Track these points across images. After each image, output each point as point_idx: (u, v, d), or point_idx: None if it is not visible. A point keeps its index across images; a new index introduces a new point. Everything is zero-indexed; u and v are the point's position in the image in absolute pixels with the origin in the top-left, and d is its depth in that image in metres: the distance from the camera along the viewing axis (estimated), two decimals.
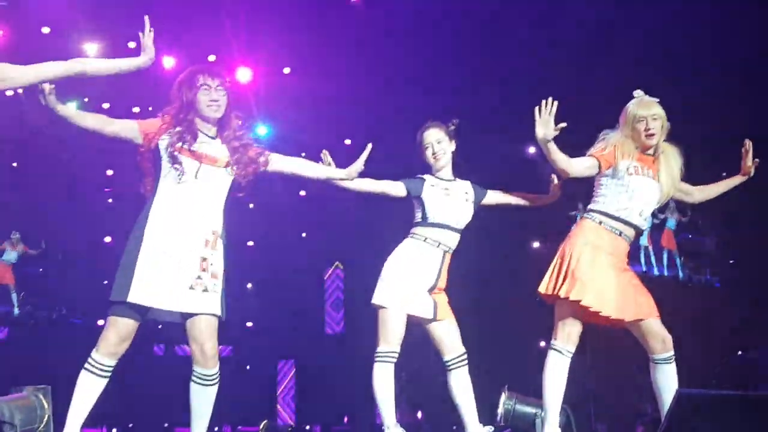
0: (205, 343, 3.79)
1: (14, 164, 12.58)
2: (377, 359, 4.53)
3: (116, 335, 3.71)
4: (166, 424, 12.97)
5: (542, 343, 10.39)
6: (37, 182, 12.85)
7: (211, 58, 11.06)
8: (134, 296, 3.66)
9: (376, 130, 11.15)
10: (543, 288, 4.51)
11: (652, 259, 12.83)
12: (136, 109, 12.03)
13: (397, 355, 4.53)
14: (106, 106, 11.74)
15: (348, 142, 11.54)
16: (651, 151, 4.52)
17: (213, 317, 3.82)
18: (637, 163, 4.46)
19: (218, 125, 4.07)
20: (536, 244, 12.42)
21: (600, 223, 4.46)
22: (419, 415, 11.41)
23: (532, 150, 11.02)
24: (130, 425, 12.88)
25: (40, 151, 12.21)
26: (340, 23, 10.71)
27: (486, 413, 5.11)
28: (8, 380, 5.57)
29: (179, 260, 3.76)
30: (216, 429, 9.30)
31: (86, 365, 3.73)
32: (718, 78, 10.14)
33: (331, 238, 13.64)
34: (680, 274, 13.11)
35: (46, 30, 10.42)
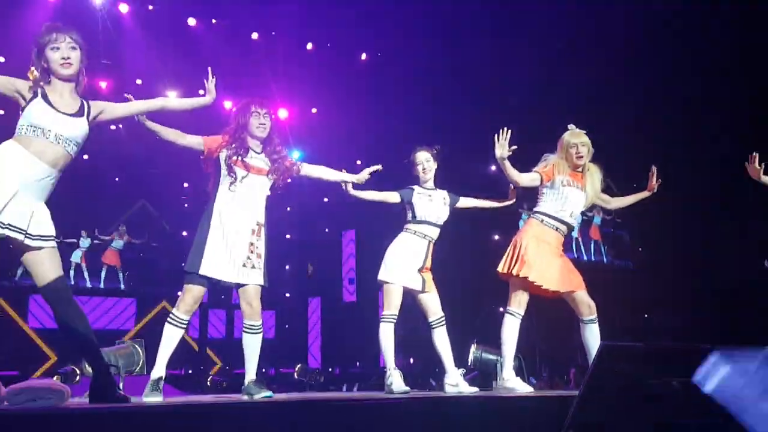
0: (252, 302, 3.91)
1: (116, 179, 12.61)
2: (382, 320, 4.57)
3: (191, 297, 3.82)
4: (227, 367, 12.96)
5: (501, 309, 10.29)
6: (135, 192, 12.95)
7: None
8: (204, 269, 3.77)
9: (379, 154, 11.14)
10: (500, 268, 4.61)
11: (582, 248, 12.79)
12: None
13: (396, 317, 4.57)
14: None
15: (359, 162, 11.50)
16: (580, 169, 4.61)
17: (258, 286, 3.92)
18: (569, 177, 4.56)
19: (263, 143, 4.12)
20: (496, 237, 12.40)
21: (542, 221, 4.57)
22: (411, 360, 11.37)
23: (492, 168, 11.00)
24: (201, 367, 12.87)
25: (135, 170, 12.26)
26: (353, 75, 10.71)
27: (459, 359, 5.09)
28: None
29: (234, 244, 3.83)
30: (263, 370, 9.28)
31: (169, 319, 3.84)
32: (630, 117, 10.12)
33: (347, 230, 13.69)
34: (604, 259, 13.12)
35: (139, 81, 10.42)
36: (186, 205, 13.41)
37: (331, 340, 13.63)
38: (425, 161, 4.76)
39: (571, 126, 4.64)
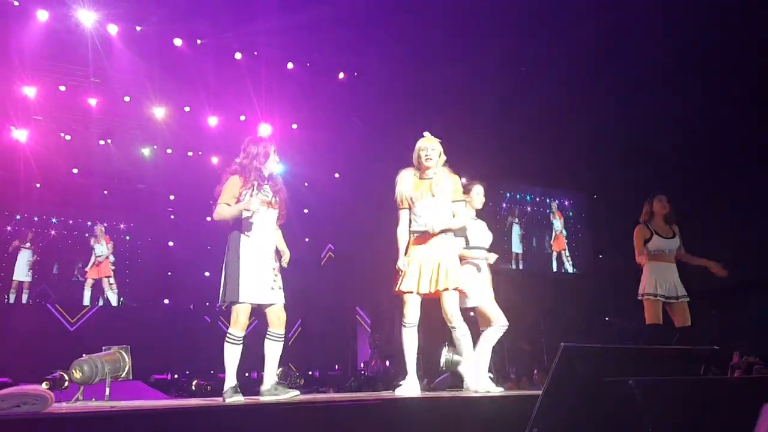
0: (280, 315, 4.10)
1: (104, 192, 12.50)
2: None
3: (242, 316, 3.98)
4: (211, 371, 12.82)
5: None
6: (123, 205, 12.80)
7: (242, 117, 11.03)
8: (243, 297, 3.96)
9: (355, 168, 11.18)
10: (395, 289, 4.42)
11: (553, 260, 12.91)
12: (189, 153, 12.00)
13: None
14: (169, 151, 11.69)
15: (337, 175, 11.55)
16: (429, 176, 4.54)
17: (282, 303, 4.13)
18: (417, 192, 4.50)
19: (268, 178, 4.25)
20: None
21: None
22: (387, 363, 11.33)
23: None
24: (187, 372, 12.71)
25: (124, 185, 12.18)
26: (332, 92, 10.74)
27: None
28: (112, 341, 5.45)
29: (261, 270, 4.03)
30: (246, 374, 9.18)
31: (227, 338, 4.00)
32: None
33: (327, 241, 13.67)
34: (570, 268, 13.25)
35: (127, 99, 10.34)
36: (172, 217, 13.33)
37: (310, 345, 13.56)
38: (483, 195, 5.02)
39: (426, 133, 4.55)
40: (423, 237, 4.30)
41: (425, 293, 4.24)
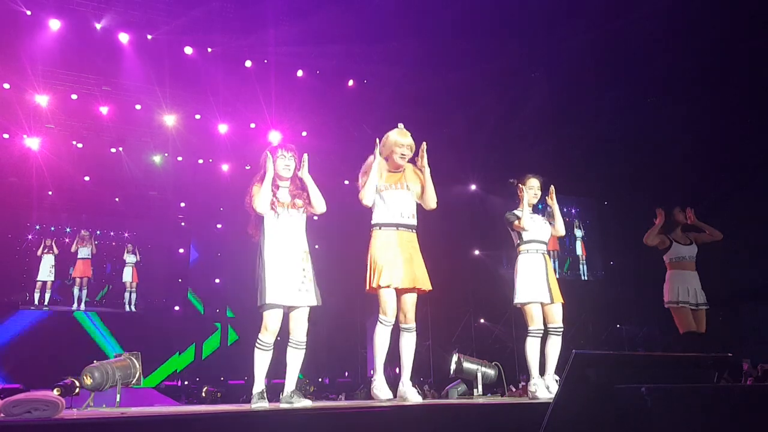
0: (302, 322, 3.98)
1: (116, 199, 12.58)
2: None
3: (271, 322, 3.90)
4: (222, 377, 12.85)
5: (481, 320, 10.26)
6: (135, 211, 12.90)
7: (252, 125, 11.07)
8: (270, 299, 3.86)
9: None
10: (366, 287, 4.23)
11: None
12: (200, 161, 12.06)
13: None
14: (180, 158, 11.75)
15: (347, 182, 11.54)
16: (400, 170, 4.38)
17: (308, 307, 4.00)
18: (386, 183, 4.34)
19: (290, 181, 4.18)
20: (476, 252, 12.43)
21: (380, 229, 4.27)
22: (397, 370, 11.30)
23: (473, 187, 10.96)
24: (197, 378, 12.75)
25: (135, 192, 12.25)
26: (341, 100, 10.75)
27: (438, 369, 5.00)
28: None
29: (288, 272, 3.94)
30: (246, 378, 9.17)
31: (257, 344, 3.93)
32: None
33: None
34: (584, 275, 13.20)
35: (138, 107, 10.41)
36: (183, 224, 13.37)
37: (319, 351, 13.55)
38: (537, 188, 4.78)
39: (400, 125, 4.40)
40: (393, 230, 4.20)
41: (402, 288, 4.12)
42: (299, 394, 3.91)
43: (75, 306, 12.44)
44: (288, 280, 3.92)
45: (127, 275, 12.90)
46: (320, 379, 12.48)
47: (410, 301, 4.18)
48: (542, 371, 4.54)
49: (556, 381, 4.51)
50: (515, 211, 4.77)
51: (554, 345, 4.55)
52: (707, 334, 5.52)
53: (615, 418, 2.35)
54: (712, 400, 2.53)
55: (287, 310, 3.98)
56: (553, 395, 4.20)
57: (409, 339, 4.21)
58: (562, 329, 4.58)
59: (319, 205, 4.13)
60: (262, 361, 3.93)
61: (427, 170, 4.29)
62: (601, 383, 2.37)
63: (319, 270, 4.11)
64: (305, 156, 4.26)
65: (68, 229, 12.74)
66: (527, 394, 4.53)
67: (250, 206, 4.08)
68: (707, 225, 5.81)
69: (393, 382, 4.25)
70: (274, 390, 4.11)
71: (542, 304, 4.56)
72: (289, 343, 4.01)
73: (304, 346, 4.02)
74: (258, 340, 3.94)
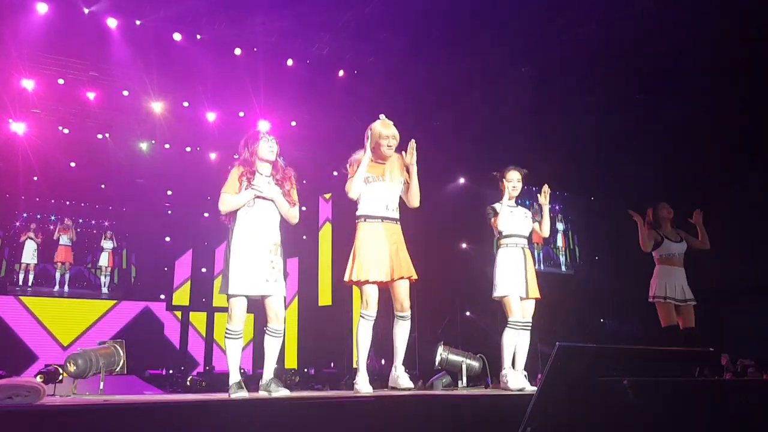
0: (277, 310, 3.93)
1: (102, 185, 12.51)
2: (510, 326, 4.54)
3: (236, 311, 3.89)
4: (207, 367, 12.85)
5: (467, 314, 10.27)
6: (121, 199, 12.80)
7: (241, 114, 11.00)
8: (233, 289, 3.84)
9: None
10: (345, 278, 4.19)
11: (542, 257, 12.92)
12: (188, 149, 11.98)
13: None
14: (167, 146, 11.67)
15: (335, 173, 11.53)
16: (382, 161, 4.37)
17: (280, 296, 3.97)
18: (370, 174, 4.31)
19: (273, 167, 4.16)
20: (464, 245, 12.46)
21: (365, 221, 4.23)
22: (383, 362, 11.34)
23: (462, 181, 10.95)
24: (182, 367, 12.73)
25: (122, 179, 12.18)
26: (331, 90, 10.69)
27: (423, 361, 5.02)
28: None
29: (255, 263, 3.88)
30: (242, 370, 9.18)
31: (226, 334, 3.91)
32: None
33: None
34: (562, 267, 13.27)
35: (125, 93, 10.32)
36: (170, 212, 13.30)
37: (306, 342, 13.56)
38: (516, 181, 4.73)
39: (382, 116, 4.35)
40: (378, 222, 4.16)
41: (383, 281, 4.09)
42: (278, 382, 3.86)
43: (57, 288, 12.58)
44: (254, 271, 3.86)
45: (104, 260, 13.11)
46: (306, 370, 12.48)
47: (403, 289, 4.16)
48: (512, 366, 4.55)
49: (525, 376, 4.56)
50: (494, 205, 4.76)
51: (523, 340, 4.56)
52: (691, 329, 5.57)
53: (597, 409, 2.38)
54: (693, 394, 2.57)
55: (261, 299, 3.94)
56: (523, 386, 4.32)
57: (404, 326, 4.19)
58: (530, 324, 4.60)
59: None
60: (233, 349, 3.91)
61: (413, 169, 4.27)
62: (583, 375, 2.39)
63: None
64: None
65: (53, 217, 12.75)
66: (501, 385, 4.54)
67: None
68: (704, 232, 5.83)
69: (378, 374, 4.25)
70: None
71: (520, 298, 4.57)
72: (266, 331, 3.97)
73: (281, 334, 3.98)
74: (226, 330, 3.91)
